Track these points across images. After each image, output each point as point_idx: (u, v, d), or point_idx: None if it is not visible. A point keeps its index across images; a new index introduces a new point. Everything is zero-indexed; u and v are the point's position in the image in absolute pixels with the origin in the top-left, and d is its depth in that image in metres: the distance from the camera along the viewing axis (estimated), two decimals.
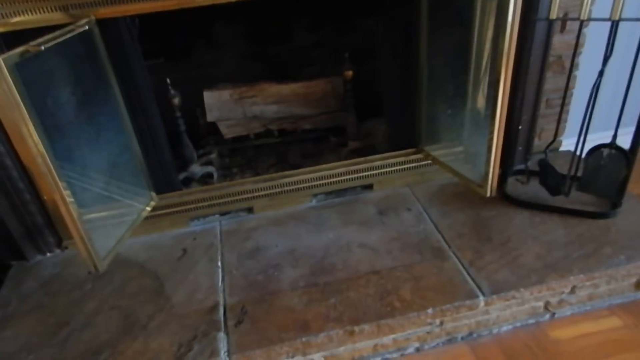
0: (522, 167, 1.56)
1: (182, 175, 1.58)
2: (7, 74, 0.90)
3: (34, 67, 1.00)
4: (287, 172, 1.56)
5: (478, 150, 1.34)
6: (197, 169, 1.62)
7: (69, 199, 1.08)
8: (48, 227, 1.42)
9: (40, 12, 1.09)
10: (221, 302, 1.20)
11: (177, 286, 1.27)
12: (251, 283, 1.25)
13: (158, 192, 1.45)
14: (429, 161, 1.59)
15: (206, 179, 1.63)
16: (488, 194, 1.28)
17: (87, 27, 1.11)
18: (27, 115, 0.96)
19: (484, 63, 1.29)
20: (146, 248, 1.43)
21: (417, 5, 1.34)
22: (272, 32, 1.74)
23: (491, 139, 1.22)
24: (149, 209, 1.43)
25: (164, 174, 1.43)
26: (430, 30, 1.37)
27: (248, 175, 1.67)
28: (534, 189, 1.49)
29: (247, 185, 1.53)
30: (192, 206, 1.48)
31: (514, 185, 1.54)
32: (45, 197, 1.15)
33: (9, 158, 1.26)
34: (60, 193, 1.06)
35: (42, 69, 1.04)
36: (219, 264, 1.34)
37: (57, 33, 1.04)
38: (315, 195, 1.58)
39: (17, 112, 0.95)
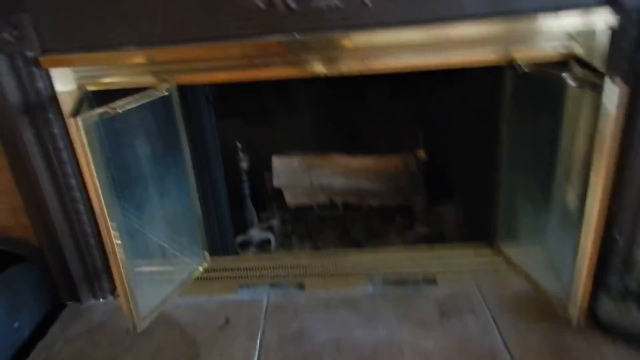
0: (620, 284, 1.33)
1: (240, 239, 1.56)
2: (83, 134, 0.94)
3: (114, 124, 1.04)
4: (344, 251, 1.48)
5: (564, 258, 1.16)
6: (256, 233, 1.59)
7: (120, 255, 1.08)
8: (106, 273, 1.45)
9: (129, 76, 1.16)
10: None
11: None
12: None
13: (212, 254, 1.43)
14: (502, 260, 1.42)
15: (264, 244, 1.60)
16: (574, 320, 1.08)
17: (166, 93, 1.15)
18: (94, 173, 0.99)
19: (575, 154, 1.15)
20: (191, 310, 1.40)
21: (500, 86, 1.24)
22: (350, 100, 1.73)
23: (579, 246, 1.05)
24: (200, 269, 1.41)
25: (221, 236, 1.42)
26: (513, 113, 1.26)
27: (307, 246, 1.61)
28: (637, 315, 1.25)
29: (302, 260, 1.47)
30: (242, 273, 1.44)
31: (609, 308, 1.30)
32: None
33: (82, 204, 1.32)
34: (112, 247, 1.06)
35: (121, 127, 1.09)
36: (258, 342, 1.26)
37: (137, 96, 1.09)
38: (372, 280, 1.46)
39: (85, 169, 0.98)
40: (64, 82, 1.14)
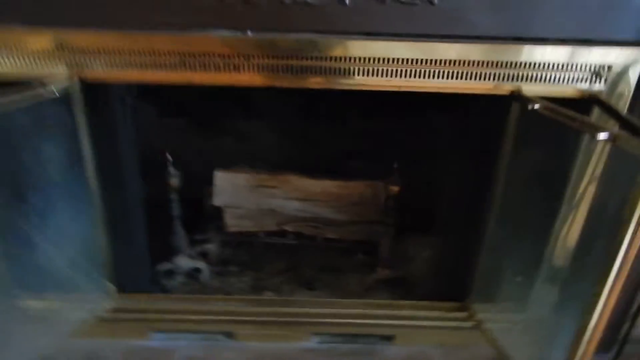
0: None
1: (163, 267, 1.28)
2: None
3: None
4: (289, 292, 1.23)
5: (550, 333, 0.94)
6: (184, 261, 1.31)
7: None
8: None
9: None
10: None
11: None
12: None
13: (122, 289, 1.14)
14: (473, 323, 1.19)
15: (194, 274, 1.32)
16: None
17: (57, 94, 0.85)
18: None
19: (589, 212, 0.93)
20: (87, 358, 1.11)
21: (503, 120, 0.99)
22: (317, 113, 1.46)
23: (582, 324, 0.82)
24: (103, 308, 1.12)
25: (132, 269, 1.13)
26: (515, 154, 1.02)
27: (247, 279, 1.34)
28: None
29: (236, 301, 1.20)
30: (157, 315, 1.15)
31: None
32: None
33: None
34: None
35: None
36: None
37: (16, 95, 0.80)
38: (317, 333, 1.21)
39: None
40: None
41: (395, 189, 1.28)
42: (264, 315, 1.18)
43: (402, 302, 1.22)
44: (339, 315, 1.19)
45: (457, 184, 1.16)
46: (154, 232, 1.18)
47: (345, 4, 0.81)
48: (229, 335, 1.19)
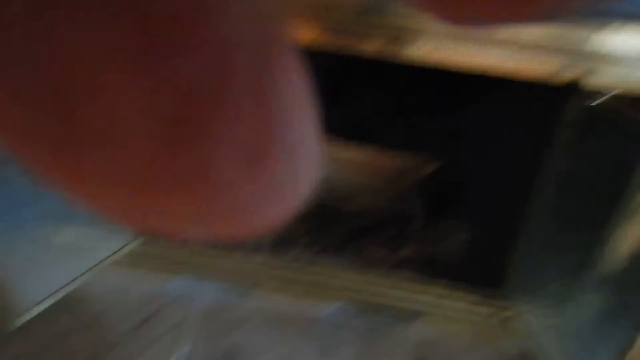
0: None
1: None
2: None
3: None
4: (313, 255, 1.19)
5: (593, 336, 0.88)
6: None
7: None
8: None
9: None
10: None
11: None
12: None
13: None
14: (508, 316, 1.13)
15: None
16: None
17: None
18: None
19: None
20: (109, 295, 1.12)
21: (562, 108, 0.90)
22: (360, 77, 1.37)
23: None
24: (129, 246, 1.13)
25: None
26: (571, 146, 0.92)
27: (272, 235, 1.32)
28: None
29: (259, 255, 1.18)
30: (180, 258, 1.15)
31: None
32: None
33: None
34: None
35: None
36: (177, 358, 0.99)
37: None
38: (338, 300, 1.18)
39: None
40: None
41: (435, 163, 1.20)
42: (286, 274, 1.16)
43: (430, 282, 1.17)
44: (362, 285, 1.16)
45: (504, 169, 1.07)
46: None
47: None
48: (249, 287, 1.18)
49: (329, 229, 1.37)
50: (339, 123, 1.36)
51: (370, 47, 0.83)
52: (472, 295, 1.15)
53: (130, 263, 1.15)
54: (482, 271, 1.17)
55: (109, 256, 1.09)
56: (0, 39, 0.07)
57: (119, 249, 1.13)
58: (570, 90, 0.80)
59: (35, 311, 0.92)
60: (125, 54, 0.07)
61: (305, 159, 0.10)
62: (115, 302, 1.10)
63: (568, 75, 0.77)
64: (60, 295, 0.99)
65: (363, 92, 1.31)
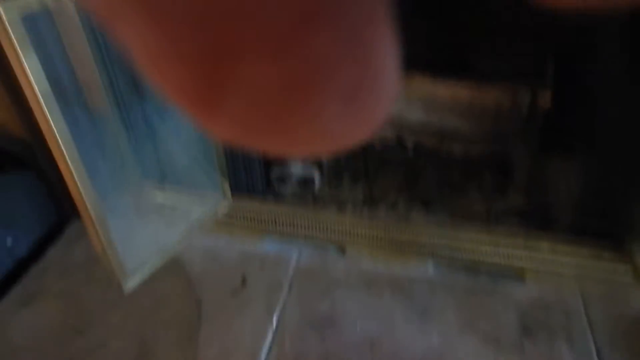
0: None
1: (276, 173, 1.24)
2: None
3: None
4: (405, 212, 1.12)
5: None
6: (297, 168, 1.25)
7: (80, 180, 0.79)
8: None
9: None
10: None
11: (214, 335, 0.97)
12: None
13: (236, 190, 1.13)
14: (630, 270, 0.99)
15: (307, 183, 1.27)
16: None
17: None
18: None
19: None
20: (205, 258, 1.15)
21: None
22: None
23: None
24: (221, 208, 1.13)
25: (246, 172, 1.10)
26: None
27: (359, 192, 1.26)
28: None
29: (348, 215, 1.13)
30: (272, 218, 1.14)
31: None
32: None
33: None
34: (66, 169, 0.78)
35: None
36: (275, 321, 1.00)
37: None
38: (435, 259, 1.11)
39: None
40: None
41: (543, 96, 1.04)
42: (378, 233, 1.11)
43: (538, 236, 1.06)
44: (460, 241, 1.08)
45: (624, 101, 0.89)
46: None
47: None
48: (340, 249, 1.14)
49: (420, 181, 1.28)
50: (427, 56, 1.22)
51: None
52: (591, 247, 1.02)
53: (222, 224, 1.16)
54: (602, 220, 1.02)
55: (202, 218, 1.10)
56: None
57: (212, 211, 1.13)
58: None
59: (139, 274, 0.96)
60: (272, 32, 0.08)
61: (387, 90, 0.10)
62: (211, 264, 1.13)
63: None
64: (161, 258, 1.02)
65: (459, 21, 1.15)
